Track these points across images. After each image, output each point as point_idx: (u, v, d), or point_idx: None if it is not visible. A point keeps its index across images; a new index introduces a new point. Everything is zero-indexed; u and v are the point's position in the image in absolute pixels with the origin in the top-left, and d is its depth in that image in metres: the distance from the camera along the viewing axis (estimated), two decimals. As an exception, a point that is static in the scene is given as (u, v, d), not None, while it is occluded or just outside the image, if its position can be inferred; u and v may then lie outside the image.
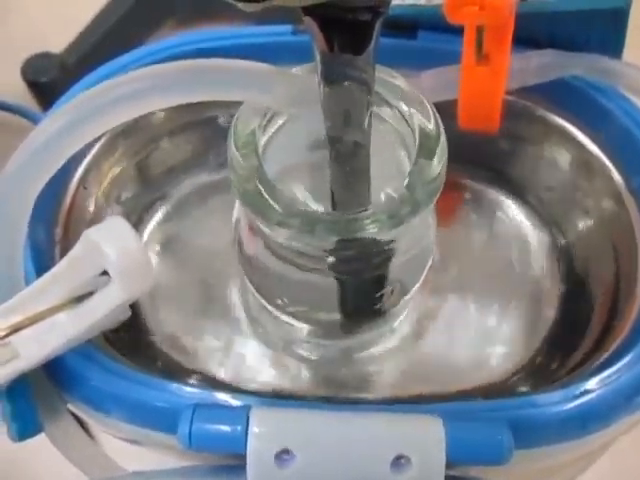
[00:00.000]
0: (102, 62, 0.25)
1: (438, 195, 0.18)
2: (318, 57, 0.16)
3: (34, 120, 0.38)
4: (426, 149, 0.17)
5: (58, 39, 0.40)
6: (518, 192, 0.27)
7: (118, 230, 0.15)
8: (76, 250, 0.15)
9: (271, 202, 0.16)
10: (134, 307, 0.24)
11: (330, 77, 0.16)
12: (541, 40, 0.23)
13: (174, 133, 0.26)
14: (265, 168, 0.17)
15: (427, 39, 0.25)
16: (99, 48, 0.39)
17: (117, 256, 0.14)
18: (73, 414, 0.21)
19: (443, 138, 0.18)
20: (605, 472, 0.29)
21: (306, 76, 0.18)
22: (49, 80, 0.38)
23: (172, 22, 0.40)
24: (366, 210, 0.17)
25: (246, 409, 0.17)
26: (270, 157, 0.18)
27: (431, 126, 0.18)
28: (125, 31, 0.40)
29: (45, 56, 0.39)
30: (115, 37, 0.39)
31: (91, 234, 0.15)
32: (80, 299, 0.16)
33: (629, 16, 0.22)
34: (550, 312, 0.24)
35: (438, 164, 0.17)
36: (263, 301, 0.22)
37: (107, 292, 0.15)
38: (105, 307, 0.15)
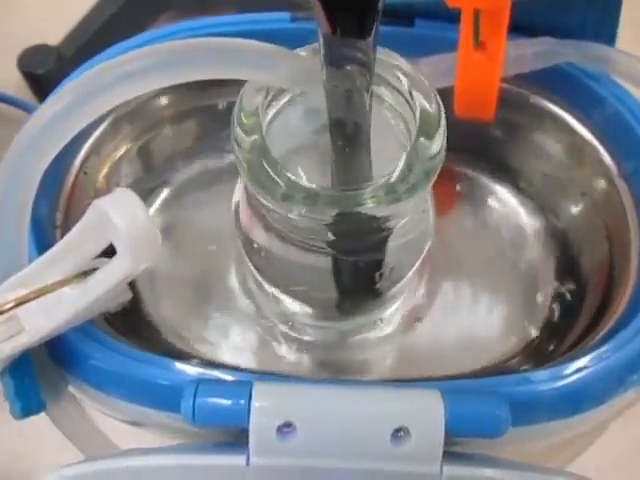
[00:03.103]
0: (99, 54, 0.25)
1: (436, 176, 0.18)
2: (321, 40, 0.16)
3: (31, 112, 0.38)
4: (426, 130, 0.18)
5: (55, 31, 0.40)
6: (512, 178, 0.27)
7: (126, 200, 0.15)
8: (84, 220, 0.16)
9: (274, 177, 0.17)
10: (134, 291, 0.24)
11: (332, 59, 0.17)
12: (536, 27, 0.23)
13: (176, 119, 0.27)
14: (268, 145, 0.17)
15: (424, 27, 0.25)
16: (96, 40, 0.39)
17: (125, 225, 0.14)
18: (73, 394, 0.21)
19: (443, 119, 0.18)
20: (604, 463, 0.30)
21: (309, 56, 0.18)
22: (46, 72, 0.38)
23: (169, 14, 0.41)
24: (366, 187, 0.17)
25: (249, 384, 0.18)
26: (273, 135, 0.18)
27: (432, 107, 0.18)
28: (122, 23, 0.40)
29: (42, 48, 0.39)
30: (112, 29, 0.39)
31: (100, 203, 0.15)
32: (85, 274, 0.16)
33: (622, 3, 0.22)
34: (545, 295, 0.25)
35: (437, 144, 0.18)
36: (264, 282, 0.22)
37: (113, 264, 0.16)
38: (111, 279, 0.15)
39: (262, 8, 0.26)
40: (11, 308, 0.16)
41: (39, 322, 0.16)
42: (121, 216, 0.15)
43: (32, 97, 0.40)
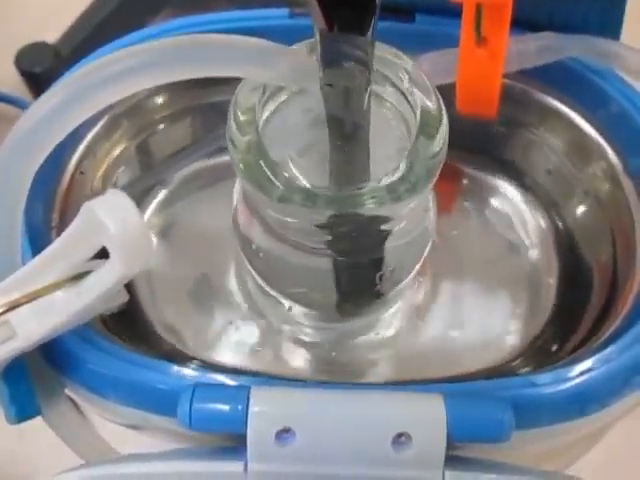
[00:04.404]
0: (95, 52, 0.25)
1: (437, 175, 0.18)
2: (317, 37, 0.16)
3: (28, 110, 0.38)
4: (427, 128, 0.17)
5: (53, 29, 0.40)
6: (515, 176, 0.27)
7: (118, 202, 0.14)
8: (76, 223, 0.15)
9: (272, 177, 0.16)
10: (131, 292, 0.24)
11: (330, 57, 0.16)
12: (539, 21, 0.23)
13: (173, 118, 0.26)
14: (265, 145, 0.17)
15: (425, 22, 0.24)
16: (94, 38, 0.39)
17: (116, 228, 0.14)
18: (70, 398, 0.21)
19: (445, 117, 0.18)
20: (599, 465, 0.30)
21: (307, 52, 0.17)
22: (43, 70, 0.38)
23: (167, 11, 0.40)
24: (365, 187, 0.17)
25: (246, 388, 0.17)
26: (270, 134, 0.18)
27: (433, 105, 0.18)
28: (120, 21, 0.39)
29: (40, 46, 0.38)
30: (110, 27, 0.39)
31: (91, 205, 0.15)
32: (78, 277, 0.16)
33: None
34: (549, 295, 0.24)
35: (439, 143, 0.17)
36: (263, 284, 0.22)
37: (106, 268, 0.15)
38: (104, 283, 0.15)
39: (260, 4, 0.26)
40: (2, 313, 0.15)
41: (31, 327, 0.16)
42: (112, 219, 0.14)
43: (30, 95, 0.39)
